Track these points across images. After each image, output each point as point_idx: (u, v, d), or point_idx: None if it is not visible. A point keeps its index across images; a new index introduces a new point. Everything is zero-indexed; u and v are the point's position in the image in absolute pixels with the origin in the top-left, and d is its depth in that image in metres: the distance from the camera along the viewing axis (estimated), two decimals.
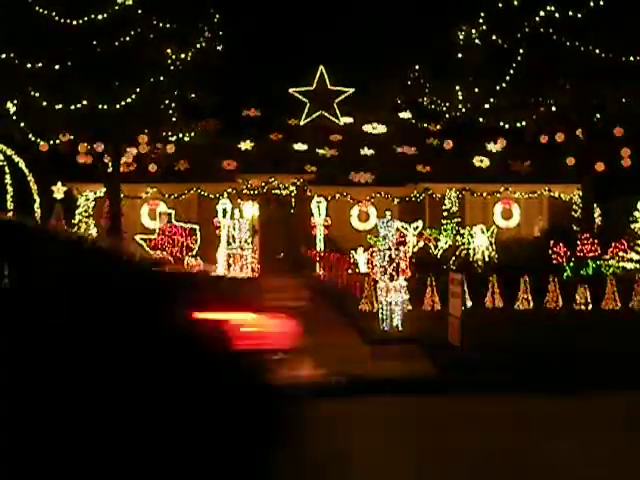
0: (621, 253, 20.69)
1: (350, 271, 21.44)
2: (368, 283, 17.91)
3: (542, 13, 22.19)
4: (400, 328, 14.55)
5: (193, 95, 23.85)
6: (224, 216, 24.79)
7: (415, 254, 22.67)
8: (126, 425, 4.41)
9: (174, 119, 23.62)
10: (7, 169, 20.19)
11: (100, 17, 21.23)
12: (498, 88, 23.02)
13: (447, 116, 26.63)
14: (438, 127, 29.87)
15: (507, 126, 25.30)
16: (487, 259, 22.94)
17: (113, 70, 21.16)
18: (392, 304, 14.61)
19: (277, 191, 33.07)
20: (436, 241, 24.69)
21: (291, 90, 35.92)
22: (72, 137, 23.76)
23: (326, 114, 35.81)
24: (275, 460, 5.13)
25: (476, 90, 23.73)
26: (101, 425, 4.35)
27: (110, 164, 23.96)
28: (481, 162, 33.60)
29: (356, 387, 11.05)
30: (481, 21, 23.76)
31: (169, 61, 22.60)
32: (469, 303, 17.91)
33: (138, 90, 21.74)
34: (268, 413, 5.04)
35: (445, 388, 11.10)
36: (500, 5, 23.29)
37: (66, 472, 4.33)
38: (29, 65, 20.76)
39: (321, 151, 34.42)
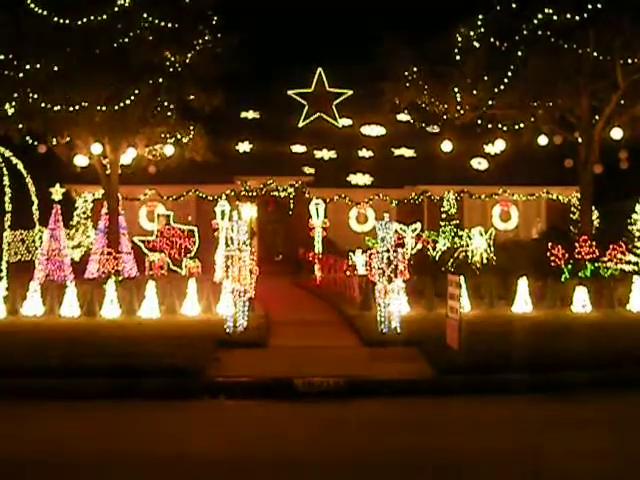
0: (619, 255, 20.69)
1: (348, 273, 21.42)
2: (366, 284, 17.91)
3: (540, 16, 22.21)
4: (398, 330, 14.54)
5: (192, 97, 23.83)
6: (222, 218, 24.78)
7: (413, 256, 22.68)
8: None
9: (173, 121, 23.60)
10: (5, 170, 20.14)
11: (99, 18, 21.21)
12: (497, 90, 23.04)
13: (445, 118, 26.63)
14: (437, 129, 29.84)
15: (505, 128, 25.31)
16: (485, 261, 22.94)
17: (112, 71, 21.14)
18: (390, 306, 14.61)
19: (275, 193, 33.07)
20: (434, 243, 24.68)
21: (289, 92, 35.95)
22: (70, 139, 23.74)
23: (324, 116, 35.83)
24: None
25: (475, 92, 23.74)
26: None
27: (108, 166, 23.94)
28: (479, 164, 33.64)
29: (354, 389, 11.06)
30: (480, 23, 23.77)
31: (168, 63, 22.59)
32: (467, 305, 17.91)
33: (137, 91, 21.72)
34: None
35: (443, 390, 11.10)
36: (498, 8, 23.31)
37: None
38: (27, 66, 20.74)
39: (319, 153, 34.42)
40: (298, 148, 34.58)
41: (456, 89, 24.08)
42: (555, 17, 22.11)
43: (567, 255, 20.61)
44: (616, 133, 23.64)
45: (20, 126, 22.40)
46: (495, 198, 33.43)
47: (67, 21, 21.04)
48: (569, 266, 20.43)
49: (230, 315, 14.81)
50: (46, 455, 8.22)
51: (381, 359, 12.90)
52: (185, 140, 24.62)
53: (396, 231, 16.55)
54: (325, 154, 34.44)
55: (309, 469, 7.83)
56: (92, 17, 21.16)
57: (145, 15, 21.72)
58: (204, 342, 13.48)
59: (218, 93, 23.91)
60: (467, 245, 23.55)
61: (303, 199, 32.28)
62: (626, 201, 24.68)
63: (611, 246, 20.96)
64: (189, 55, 22.79)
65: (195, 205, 32.49)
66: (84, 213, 31.13)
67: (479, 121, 25.38)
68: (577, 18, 21.93)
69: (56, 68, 20.96)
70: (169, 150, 24.86)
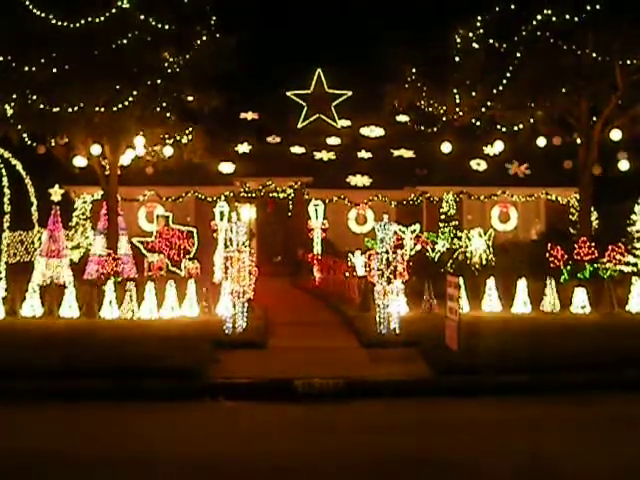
0: (618, 256, 20.68)
1: (347, 274, 21.42)
2: (365, 285, 17.92)
3: (539, 17, 22.20)
4: (397, 331, 14.55)
5: (191, 98, 23.82)
6: (221, 219, 24.76)
7: (412, 257, 22.66)
8: None
9: (171, 122, 23.60)
10: (4, 171, 20.12)
11: (97, 20, 21.19)
12: (495, 91, 23.01)
13: (444, 119, 26.62)
14: (435, 130, 29.85)
15: (504, 129, 25.30)
16: (484, 262, 22.93)
17: (110, 73, 21.12)
18: (389, 307, 14.62)
19: (275, 194, 33.07)
20: (433, 244, 24.67)
21: (289, 93, 35.94)
22: (69, 140, 23.72)
23: (323, 117, 35.82)
24: None
25: (473, 93, 23.72)
26: None
27: (107, 167, 23.93)
28: (478, 165, 33.63)
29: (354, 390, 11.06)
30: (479, 24, 23.75)
31: (166, 64, 22.58)
32: (466, 306, 17.91)
33: (135, 93, 21.70)
34: None
35: (442, 391, 11.11)
36: (497, 8, 23.30)
37: None
38: (26, 67, 20.72)
39: (318, 154, 34.42)
40: (297, 149, 34.58)
41: (455, 90, 24.08)
42: (554, 18, 22.09)
43: (566, 256, 20.60)
44: (615, 134, 23.63)
45: (19, 127, 22.38)
46: (494, 199, 33.43)
47: (66, 23, 21.02)
48: (568, 267, 20.42)
49: (229, 316, 14.82)
50: (46, 456, 8.22)
51: (380, 360, 12.91)
52: (184, 141, 24.62)
53: (395, 232, 16.51)
54: (324, 155, 34.43)
55: (309, 471, 7.83)
56: (91, 18, 21.14)
57: (143, 17, 21.70)
58: (203, 343, 13.48)
59: (217, 94, 23.91)
60: (466, 246, 23.55)
61: (302, 200, 32.27)
62: (625, 202, 24.64)
63: (610, 247, 20.94)
64: (187, 56, 22.78)
65: (194, 206, 32.47)
66: (83, 214, 31.10)
67: (478, 122, 25.37)
68: (576, 19, 21.92)
69: (55, 70, 20.94)
70: (168, 151, 24.86)
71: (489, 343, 13.19)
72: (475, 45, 23.67)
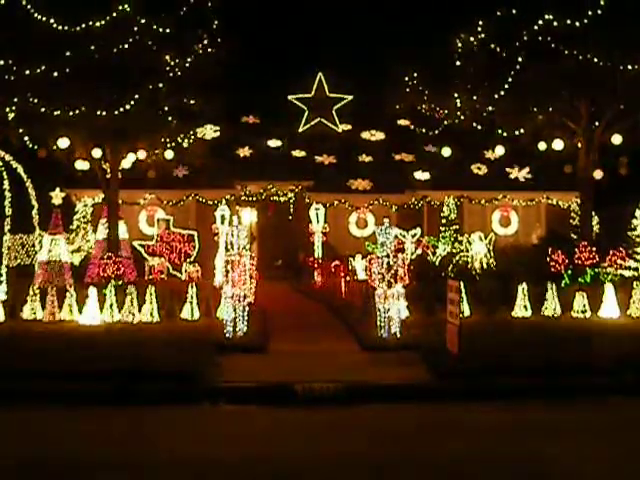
0: (619, 261, 20.69)
1: (348, 278, 21.41)
2: (366, 289, 17.89)
3: (541, 22, 22.23)
4: (398, 335, 14.53)
5: (192, 102, 23.85)
6: (222, 222, 24.77)
7: (413, 261, 22.67)
8: None
9: (173, 125, 23.62)
10: (5, 175, 20.16)
11: (98, 24, 21.23)
12: (497, 96, 23.04)
13: (445, 123, 26.64)
14: (436, 134, 29.87)
15: (505, 134, 25.32)
16: (485, 266, 22.93)
17: (111, 76, 21.16)
18: (390, 311, 14.61)
19: (275, 198, 33.07)
20: (434, 248, 24.68)
21: (290, 97, 35.95)
22: (70, 143, 23.73)
23: (324, 121, 35.83)
24: None
25: (475, 98, 23.75)
26: None
27: (108, 170, 23.96)
28: (479, 169, 33.63)
29: (354, 394, 11.05)
30: (480, 29, 23.79)
31: (167, 67, 22.60)
32: (467, 310, 17.90)
33: (137, 96, 21.72)
34: None
35: (443, 394, 11.10)
36: (499, 13, 23.33)
37: None
38: (27, 71, 20.74)
39: (319, 158, 34.43)
40: (298, 153, 34.58)
41: (456, 94, 24.10)
42: (555, 23, 22.13)
43: (567, 260, 20.61)
44: (616, 139, 23.65)
45: (20, 130, 22.40)
46: (495, 203, 33.43)
47: (67, 26, 21.05)
48: (569, 271, 20.42)
49: (230, 320, 14.80)
50: (45, 459, 8.21)
51: (381, 364, 12.90)
52: (185, 145, 24.64)
53: (396, 236, 16.55)
54: (325, 159, 34.45)
55: (309, 474, 7.82)
56: (92, 22, 21.17)
57: (144, 20, 21.73)
58: (204, 347, 13.47)
59: (218, 98, 23.92)
60: (467, 250, 23.55)
61: (303, 204, 32.27)
62: (626, 206, 24.67)
63: (611, 251, 20.96)
64: (189, 60, 22.81)
65: (195, 210, 32.47)
66: (84, 217, 31.10)
67: (479, 126, 25.39)
68: (577, 24, 21.95)
69: (56, 73, 20.96)
70: (169, 155, 24.89)
71: (490, 347, 13.17)
72: (476, 49, 23.69)
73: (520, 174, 33.00)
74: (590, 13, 21.79)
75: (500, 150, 26.52)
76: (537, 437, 9.02)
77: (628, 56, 21.90)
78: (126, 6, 21.50)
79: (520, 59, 22.46)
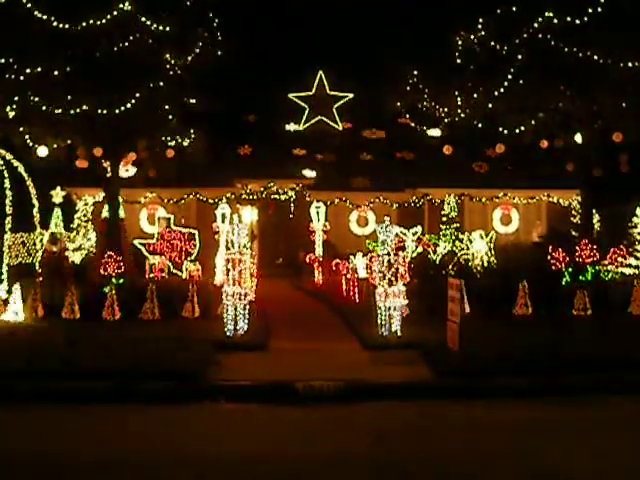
0: (620, 259, 20.66)
1: (349, 276, 21.40)
2: (366, 288, 17.90)
3: (541, 19, 22.21)
4: (399, 333, 14.53)
5: (192, 100, 23.85)
6: (223, 221, 24.75)
7: (414, 259, 22.66)
8: None
9: (173, 124, 23.63)
10: (6, 173, 20.14)
11: (99, 22, 21.23)
12: (497, 94, 23.03)
13: (446, 121, 26.63)
14: (437, 132, 29.83)
15: (506, 132, 25.30)
16: (486, 264, 22.92)
17: (112, 75, 21.16)
18: (391, 309, 14.60)
19: (276, 196, 33.08)
20: (435, 246, 24.67)
21: (290, 95, 35.97)
22: (71, 142, 23.74)
23: (325, 119, 35.84)
24: None
25: (475, 95, 23.74)
26: None
27: (109, 169, 23.96)
28: (480, 167, 33.61)
29: (354, 392, 11.05)
30: (480, 27, 23.78)
31: (168, 66, 22.60)
32: (467, 308, 17.88)
33: (137, 95, 21.72)
34: None
35: (444, 393, 11.10)
36: (499, 11, 23.32)
37: None
38: (28, 70, 20.74)
39: (320, 156, 34.42)
40: (299, 151, 34.57)
41: (456, 92, 24.09)
42: (555, 20, 22.12)
43: (568, 258, 20.58)
44: (617, 136, 23.62)
45: (21, 129, 22.40)
46: (495, 201, 33.43)
47: (67, 25, 21.05)
48: (570, 269, 20.40)
49: (230, 318, 14.81)
50: (45, 458, 8.22)
51: (381, 362, 12.90)
52: (186, 143, 24.64)
53: (397, 234, 16.54)
54: (326, 157, 34.44)
55: (309, 473, 7.83)
56: (92, 21, 21.17)
57: (145, 19, 21.72)
58: (204, 345, 13.47)
59: (219, 96, 23.92)
60: (468, 248, 23.54)
61: (304, 202, 32.27)
62: (627, 204, 24.69)
63: (612, 249, 20.94)
64: (189, 58, 22.81)
65: (196, 208, 32.48)
66: (84, 216, 31.12)
67: (480, 124, 25.37)
68: (577, 21, 21.94)
69: (56, 72, 20.96)
70: (170, 153, 24.88)
71: (491, 345, 13.16)
72: (477, 47, 23.69)
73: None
74: (590, 11, 21.77)
75: (501, 148, 26.50)
76: (538, 435, 9.02)
77: (628, 53, 21.87)
78: (127, 5, 21.50)
79: (520, 57, 22.45)
